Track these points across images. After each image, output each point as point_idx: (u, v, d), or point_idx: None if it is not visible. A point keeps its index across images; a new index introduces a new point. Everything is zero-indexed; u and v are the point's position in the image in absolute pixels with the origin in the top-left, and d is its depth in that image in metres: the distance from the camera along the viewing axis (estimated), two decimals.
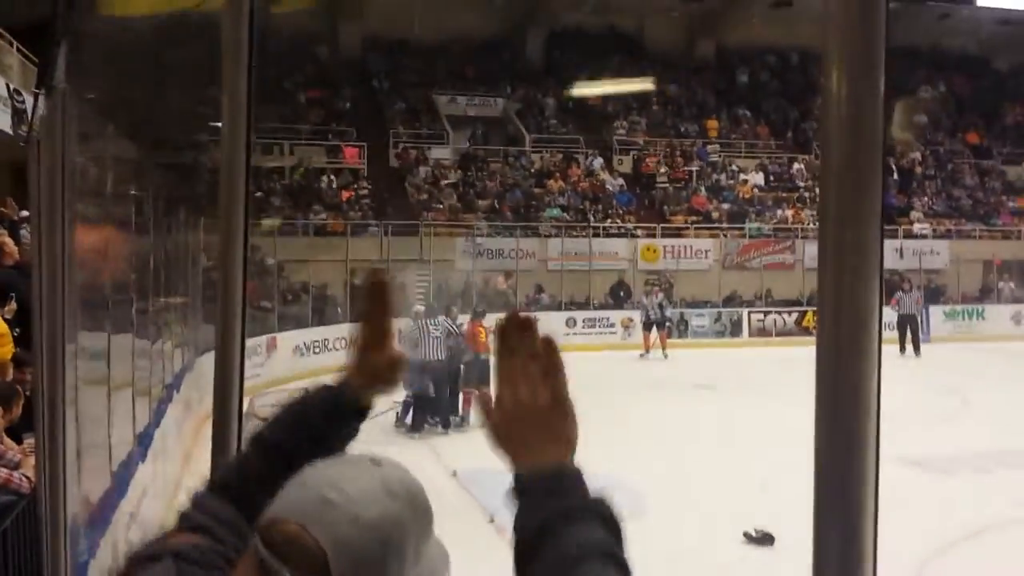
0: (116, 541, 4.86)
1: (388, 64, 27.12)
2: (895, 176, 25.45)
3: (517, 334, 1.02)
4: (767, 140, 27.74)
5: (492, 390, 1.06)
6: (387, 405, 10.56)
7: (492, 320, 13.09)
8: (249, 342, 2.98)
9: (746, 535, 7.23)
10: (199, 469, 8.40)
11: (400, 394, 10.90)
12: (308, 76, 25.04)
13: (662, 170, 25.53)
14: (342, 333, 17.71)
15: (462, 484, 8.85)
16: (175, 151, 13.52)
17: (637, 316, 19.75)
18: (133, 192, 7.11)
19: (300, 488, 0.96)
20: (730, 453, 9.80)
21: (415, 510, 0.98)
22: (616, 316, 20.82)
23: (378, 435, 9.87)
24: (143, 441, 6.54)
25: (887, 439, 0.89)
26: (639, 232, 23.40)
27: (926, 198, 26.17)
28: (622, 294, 21.46)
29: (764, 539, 7.18)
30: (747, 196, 25.41)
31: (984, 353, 18.48)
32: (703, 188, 25.28)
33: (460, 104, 26.60)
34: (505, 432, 1.01)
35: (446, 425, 11.43)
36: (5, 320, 6.05)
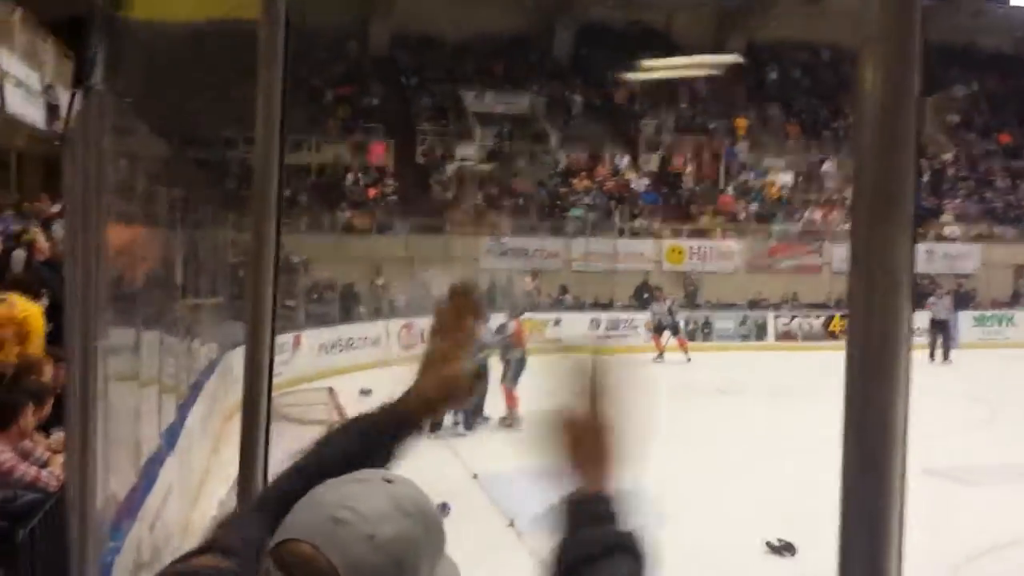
0: (141, 538, 4.92)
1: (416, 61, 27.19)
2: (926, 178, 25.14)
3: (583, 355, 1.10)
4: (797, 139, 27.48)
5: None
6: None
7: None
8: None
9: (768, 544, 7.17)
10: (224, 466, 8.47)
11: None
12: (336, 73, 25.16)
13: (688, 169, 25.37)
14: (367, 332, 17.80)
15: (483, 486, 8.85)
16: (205, 149, 13.66)
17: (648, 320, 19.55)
18: (163, 189, 7.19)
19: (312, 508, 0.95)
20: (753, 459, 9.72)
21: (427, 528, 0.97)
22: (640, 318, 20.73)
23: None
24: (169, 438, 6.60)
25: (913, 448, 0.88)
26: (665, 233, 23.27)
27: (957, 200, 25.80)
28: (646, 296, 21.37)
29: (786, 549, 7.11)
30: (775, 196, 25.20)
31: (1014, 360, 18.18)
32: (730, 188, 25.10)
33: (487, 101, 26.61)
34: (563, 451, 1.08)
35: (468, 426, 11.46)
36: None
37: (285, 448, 1.71)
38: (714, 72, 26.29)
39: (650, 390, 1.09)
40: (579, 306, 20.96)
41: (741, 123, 27.33)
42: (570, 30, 28.05)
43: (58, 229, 8.12)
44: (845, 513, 0.85)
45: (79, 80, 2.92)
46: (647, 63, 25.28)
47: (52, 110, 13.90)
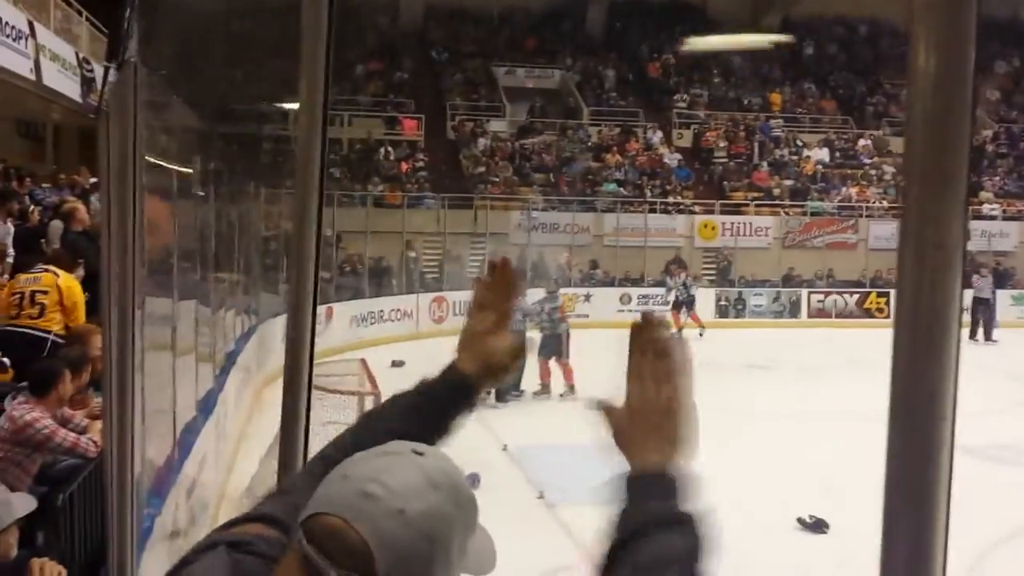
0: (178, 504, 5.01)
1: (447, 35, 27.08)
2: None
3: (650, 332, 1.08)
4: (833, 115, 27.07)
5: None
6: None
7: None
8: None
9: (800, 521, 7.15)
10: (258, 435, 8.59)
11: None
12: (368, 47, 25.14)
13: (721, 144, 25.10)
14: (398, 304, 17.90)
15: (512, 459, 8.90)
16: (239, 123, 13.73)
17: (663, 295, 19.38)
18: (198, 162, 7.25)
19: (341, 481, 0.94)
20: (786, 435, 9.68)
21: (459, 502, 0.95)
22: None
23: None
24: (205, 407, 6.70)
25: None
26: (697, 208, 23.08)
27: (997, 178, 25.31)
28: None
29: (818, 525, 7.10)
30: (810, 172, 24.87)
31: None
32: (765, 164, 24.81)
33: (518, 76, 26.46)
34: (627, 427, 1.06)
35: (501, 399, 11.49)
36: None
37: (318, 417, 1.72)
38: (761, 47, 25.92)
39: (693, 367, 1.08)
40: (609, 281, 20.90)
41: (776, 98, 26.96)
42: (603, 4, 27.73)
43: (95, 201, 8.24)
44: (889, 491, 0.83)
45: (113, 54, 2.93)
46: (690, 40, 25.04)
47: (87, 83, 14.06)
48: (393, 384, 1.44)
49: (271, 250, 15.09)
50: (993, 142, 26.29)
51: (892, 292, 18.70)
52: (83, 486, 4.27)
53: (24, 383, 4.67)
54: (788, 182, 24.42)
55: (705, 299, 20.80)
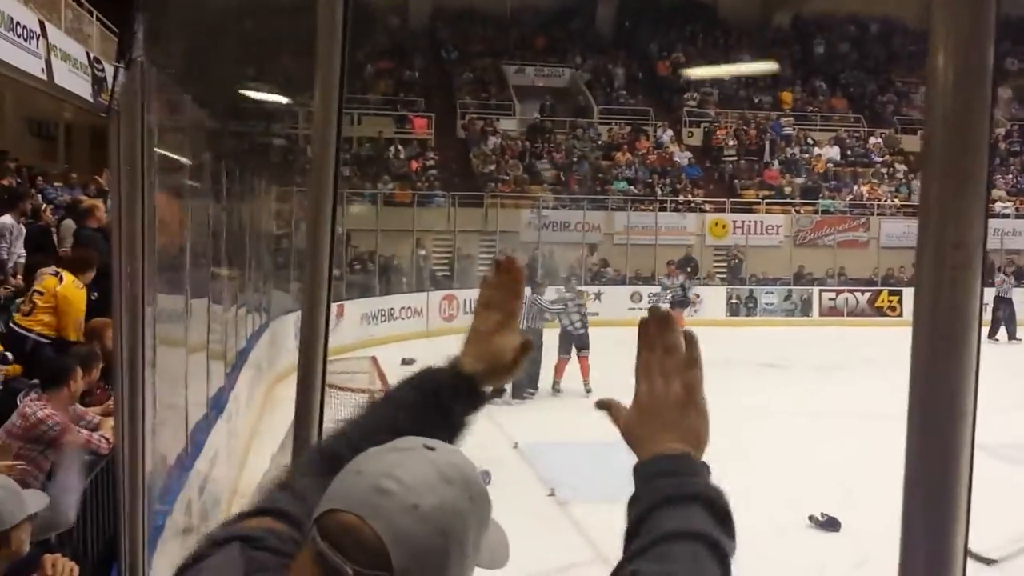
0: (191, 500, 5.02)
1: (457, 34, 27.07)
2: None
3: (658, 328, 1.07)
4: (844, 113, 26.96)
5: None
6: None
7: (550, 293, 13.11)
8: None
9: (812, 519, 7.13)
10: (270, 432, 8.62)
11: None
12: (378, 46, 25.17)
13: (731, 143, 25.03)
14: (408, 303, 17.92)
15: (523, 456, 8.89)
16: (249, 121, 13.77)
17: (657, 293, 19.30)
18: (208, 160, 7.27)
19: (355, 477, 0.93)
20: (800, 434, 9.64)
21: (472, 497, 0.95)
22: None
23: None
24: (217, 404, 6.72)
25: None
26: (707, 207, 23.04)
27: (1010, 176, 25.17)
28: (689, 269, 21.20)
29: (830, 524, 7.07)
30: (821, 171, 24.78)
31: None
32: (776, 162, 24.73)
33: (528, 74, 26.44)
34: (637, 424, 1.06)
35: (516, 395, 11.50)
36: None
37: (328, 415, 1.72)
38: (762, 74, 26.02)
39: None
40: (620, 279, 20.87)
41: (787, 97, 26.86)
42: (613, 2, 27.68)
43: None
44: (909, 491, 0.82)
45: (122, 53, 2.95)
46: (690, 69, 25.19)
47: (99, 83, 14.12)
48: None
49: (282, 248, 15.13)
50: (1006, 140, 26.14)
51: (904, 290, 18.52)
52: (95, 482, 4.29)
53: (36, 380, 4.70)
54: (799, 180, 24.33)
55: (716, 297, 20.78)
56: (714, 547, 0.95)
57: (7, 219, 7.78)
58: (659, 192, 23.14)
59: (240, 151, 12.40)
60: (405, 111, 24.16)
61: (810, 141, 25.68)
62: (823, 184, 24.34)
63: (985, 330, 17.46)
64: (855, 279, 21.71)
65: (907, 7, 26.79)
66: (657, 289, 19.39)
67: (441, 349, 1.30)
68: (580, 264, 20.54)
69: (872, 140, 25.87)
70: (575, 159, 23.79)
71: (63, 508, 3.58)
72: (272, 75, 12.82)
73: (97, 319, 5.57)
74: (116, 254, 3.04)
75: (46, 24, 12.18)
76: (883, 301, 20.89)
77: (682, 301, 18.32)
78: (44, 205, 9.77)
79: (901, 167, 24.81)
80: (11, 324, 5.95)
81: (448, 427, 1.19)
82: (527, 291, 12.17)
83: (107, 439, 4.49)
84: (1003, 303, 18.24)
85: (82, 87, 13.84)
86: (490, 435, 9.23)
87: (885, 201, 23.56)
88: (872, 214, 22.92)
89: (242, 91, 11.51)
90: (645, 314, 1.09)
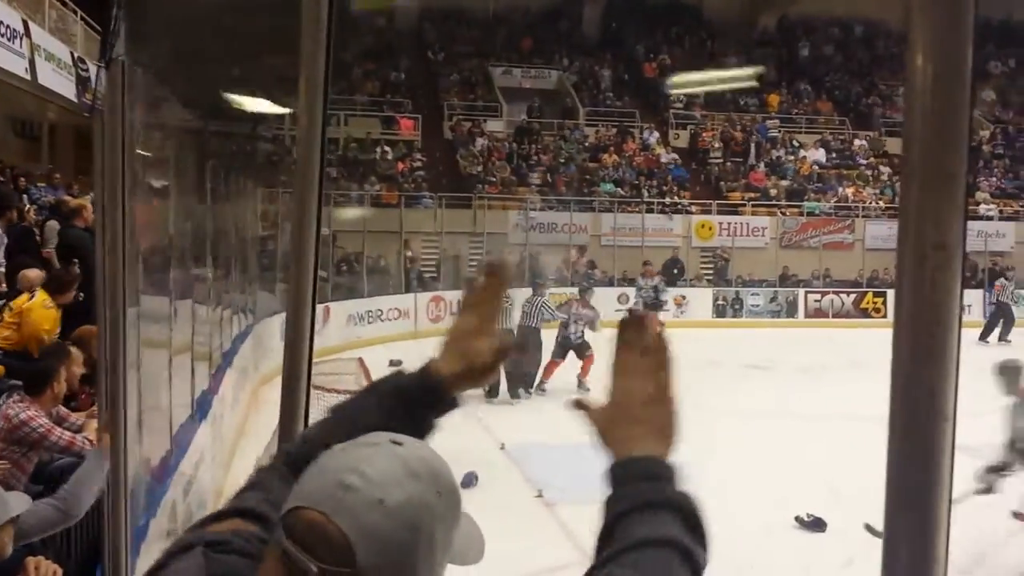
0: (175, 503, 4.99)
1: (444, 35, 27.05)
2: None
3: (634, 330, 1.09)
4: (829, 115, 27.10)
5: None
6: None
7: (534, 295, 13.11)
8: None
9: (798, 519, 7.15)
10: (255, 434, 8.57)
11: None
12: (364, 47, 25.12)
13: (716, 145, 25.12)
14: (395, 304, 17.87)
15: (510, 457, 8.88)
16: (233, 121, 13.70)
17: (632, 295, 19.33)
18: (192, 161, 7.23)
19: (320, 474, 0.92)
20: (785, 435, 9.67)
21: (440, 491, 0.93)
22: (670, 293, 20.60)
23: None
24: (201, 405, 6.68)
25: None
26: (694, 208, 23.10)
27: (993, 178, 25.36)
28: (676, 271, 21.26)
29: (816, 524, 7.10)
30: (807, 173, 24.90)
31: None
32: (761, 164, 24.83)
33: (515, 76, 26.45)
34: (610, 422, 1.07)
35: (513, 394, 11.48)
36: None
37: (314, 416, 1.71)
38: (747, 85, 26.11)
39: (677, 364, 1.08)
40: (607, 281, 20.89)
41: (773, 99, 26.98)
42: (599, 4, 27.73)
43: None
44: (890, 492, 0.82)
45: (104, 53, 2.93)
46: (680, 78, 25.22)
47: (83, 83, 14.02)
48: None
49: (267, 249, 15.06)
50: (989, 143, 26.34)
51: (889, 292, 18.62)
52: None
53: (18, 382, 4.66)
54: (785, 182, 24.44)
55: (703, 299, 20.84)
56: (686, 555, 0.95)
57: None
58: (645, 194, 23.19)
59: (225, 151, 12.34)
60: (392, 112, 24.11)
61: (795, 143, 25.80)
62: (808, 186, 24.45)
63: (977, 332, 17.58)
64: (840, 281, 21.81)
65: (891, 10, 26.95)
66: (632, 291, 19.47)
67: (428, 351, 1.30)
68: (564, 265, 20.53)
69: (857, 142, 26.02)
70: (562, 161, 23.81)
71: (81, 500, 3.56)
72: (257, 76, 12.77)
73: (84, 327, 5.53)
74: (99, 255, 3.03)
75: (30, 24, 12.08)
76: (868, 302, 21.00)
77: (655, 303, 18.32)
78: (28, 205, 9.69)
79: (886, 169, 24.96)
80: None
81: (415, 430, 1.15)
82: (527, 291, 12.24)
83: (91, 441, 4.45)
84: (1003, 307, 18.29)
85: (66, 87, 13.73)
86: (477, 437, 9.22)
87: (870, 203, 23.69)
88: (857, 216, 23.04)
89: (227, 95, 11.45)
90: (625, 315, 1.11)
